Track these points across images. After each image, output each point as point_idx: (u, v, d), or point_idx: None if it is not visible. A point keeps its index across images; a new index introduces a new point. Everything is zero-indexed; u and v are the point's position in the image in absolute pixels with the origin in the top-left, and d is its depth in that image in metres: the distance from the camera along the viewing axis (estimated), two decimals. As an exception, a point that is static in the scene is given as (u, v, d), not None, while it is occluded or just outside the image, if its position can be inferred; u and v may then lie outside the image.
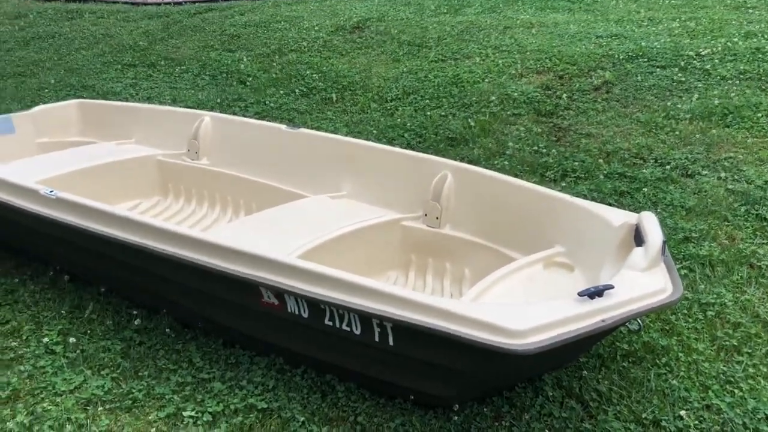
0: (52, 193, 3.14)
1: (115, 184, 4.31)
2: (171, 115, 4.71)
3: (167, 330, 3.05)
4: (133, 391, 2.68)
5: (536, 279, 2.81)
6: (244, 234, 3.17)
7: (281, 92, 6.72)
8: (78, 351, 2.93)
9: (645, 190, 4.35)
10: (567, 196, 3.15)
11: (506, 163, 4.93)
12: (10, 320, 3.20)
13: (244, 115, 6.14)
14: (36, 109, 5.06)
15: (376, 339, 2.36)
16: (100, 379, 2.75)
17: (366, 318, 2.33)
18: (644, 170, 4.64)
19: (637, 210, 3.60)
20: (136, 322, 3.09)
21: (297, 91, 6.74)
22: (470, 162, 4.78)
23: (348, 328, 2.42)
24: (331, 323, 2.45)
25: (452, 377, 2.36)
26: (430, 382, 2.43)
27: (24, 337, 3.05)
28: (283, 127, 4.17)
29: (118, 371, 2.80)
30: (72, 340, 2.99)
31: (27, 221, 3.28)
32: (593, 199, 4.10)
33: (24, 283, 3.52)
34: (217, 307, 2.88)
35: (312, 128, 5.72)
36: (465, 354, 2.19)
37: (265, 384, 2.68)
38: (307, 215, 3.45)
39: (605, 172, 4.68)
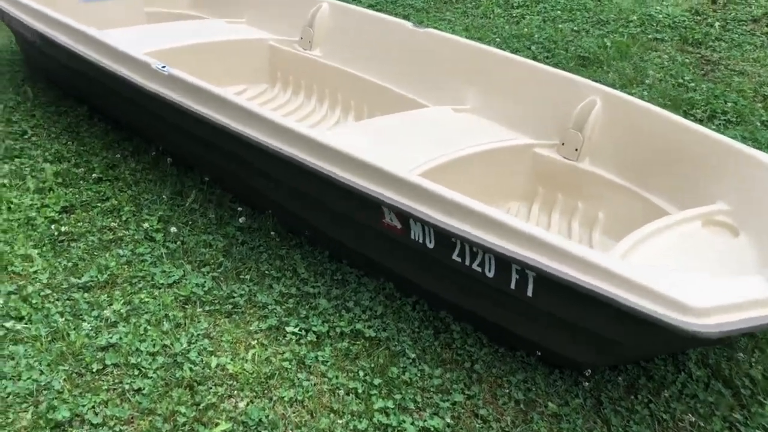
0: (164, 68, 2.89)
1: (223, 65, 4.06)
2: (286, 3, 4.36)
3: (272, 233, 2.84)
4: (234, 295, 2.50)
5: (693, 241, 2.42)
6: (358, 140, 2.86)
7: (399, -15, 6.22)
8: (178, 242, 2.76)
9: (811, 144, 3.78)
10: (737, 143, 2.68)
11: (645, 93, 4.40)
12: (110, 198, 3.05)
13: (356, 5, 5.73)
14: (148, -24, 4.80)
15: (512, 286, 2.06)
16: (200, 277, 2.58)
17: (505, 261, 2.02)
18: (810, 121, 4.04)
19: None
20: (240, 220, 2.89)
21: (416, -15, 6.23)
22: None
23: (479, 269, 2.12)
24: (459, 259, 2.16)
25: (595, 342, 2.06)
26: (567, 342, 2.13)
27: (123, 219, 2.91)
28: (409, 24, 3.76)
29: (219, 270, 2.62)
30: (173, 229, 2.82)
31: (133, 95, 3.07)
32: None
33: (125, 160, 3.37)
34: (328, 219, 2.63)
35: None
36: (622, 323, 1.87)
37: (373, 309, 2.45)
38: (427, 128, 3.11)
39: (762, 118, 4.11)
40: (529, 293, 2.04)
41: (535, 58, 4.87)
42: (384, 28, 3.85)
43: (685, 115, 4.17)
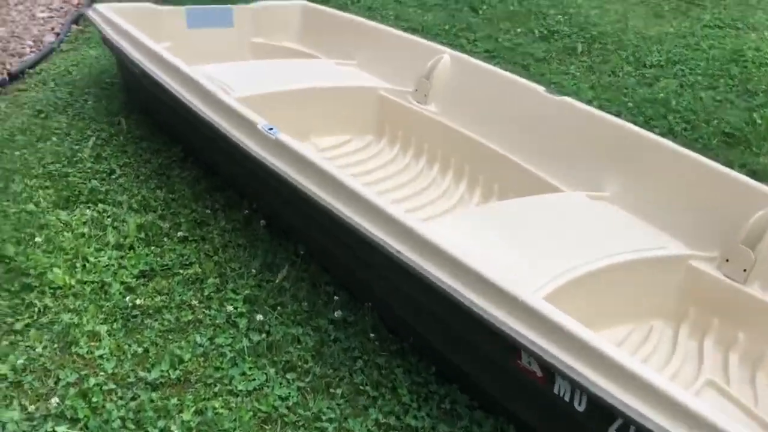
0: (272, 131, 2.54)
1: (327, 112, 3.72)
2: (404, 43, 3.98)
3: (370, 334, 2.42)
4: (322, 417, 2.09)
5: None
6: (478, 236, 2.42)
7: (518, 30, 5.78)
8: (264, 334, 2.39)
9: None
10: None
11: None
12: (194, 263, 2.72)
13: (472, 52, 5.31)
14: (258, 4, 4.55)
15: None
16: (285, 386, 2.18)
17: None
18: None
19: None
20: (336, 314, 2.48)
21: (536, 31, 5.76)
22: (753, 175, 3.69)
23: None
24: (620, 435, 1.68)
25: None
26: None
27: (206, 293, 2.56)
28: (541, 89, 3.30)
29: (307, 379, 2.23)
30: (259, 316, 2.44)
31: (230, 148, 2.74)
32: None
33: (215, 215, 3.04)
34: (440, 333, 2.20)
35: (550, 83, 4.82)
36: None
37: (490, 460, 2.00)
38: (561, 221, 2.63)
39: None
40: None
41: (672, 130, 4.33)
42: (512, 90, 3.41)
43: None
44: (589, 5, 6.21)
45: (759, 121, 4.44)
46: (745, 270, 2.49)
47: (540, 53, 5.42)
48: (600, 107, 4.47)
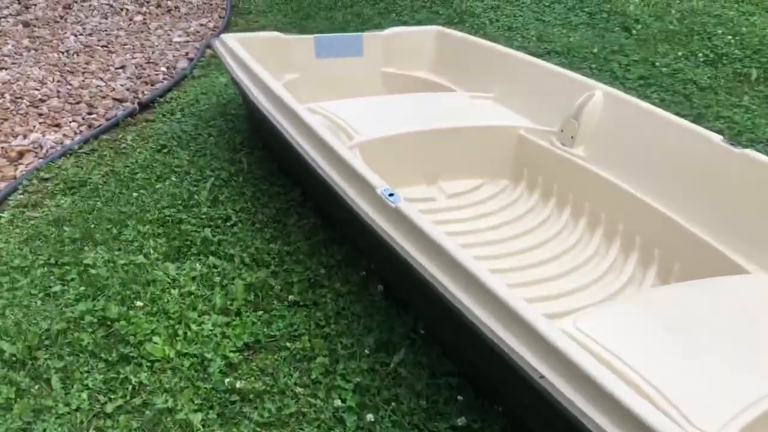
0: (393, 198, 2.19)
1: (460, 153, 3.36)
2: (549, 76, 3.52)
3: (499, 447, 2.02)
4: None
5: None
6: (640, 330, 1.94)
7: (678, 53, 5.12)
8: (373, 439, 2.05)
9: None
10: None
11: None
12: (303, 335, 2.44)
13: (624, 78, 4.74)
14: (388, 31, 4.25)
15: None
16: None
17: None
18: None
19: None
20: (459, 421, 2.09)
21: (700, 54, 5.08)
22: None
23: None
24: None
25: None
26: None
27: (313, 377, 2.26)
28: (716, 138, 2.73)
29: (422, 506, 1.86)
30: (369, 416, 2.10)
31: (346, 207, 2.43)
32: None
33: (330, 275, 2.75)
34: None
35: (718, 116, 4.16)
36: None
37: None
38: (750, 321, 2.09)
39: None
40: None
41: None
42: (679, 137, 2.86)
43: None
44: (765, 23, 5.42)
45: None
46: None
47: (705, 80, 4.75)
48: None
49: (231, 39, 3.74)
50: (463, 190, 3.34)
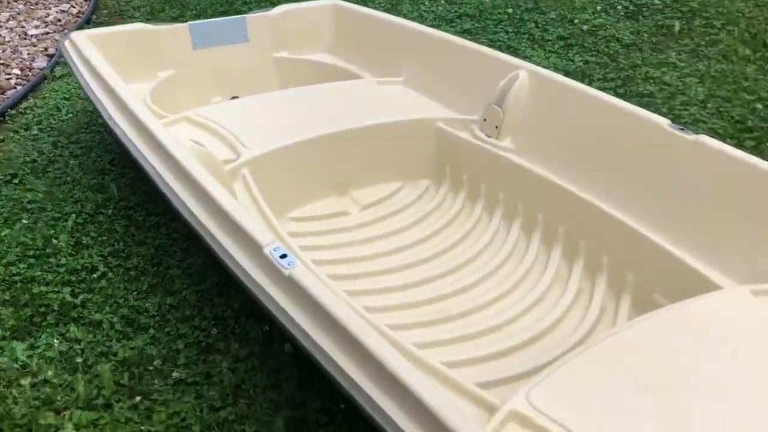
0: (286, 260, 1.67)
1: (372, 156, 2.89)
2: (465, 56, 3.04)
3: None
4: None
5: None
6: (610, 399, 1.53)
7: (596, 6, 4.74)
8: None
9: None
10: None
11: None
12: (193, 425, 1.93)
13: (544, 39, 4.32)
14: (277, 9, 3.66)
15: None
16: None
17: None
18: None
19: None
20: None
21: (619, 6, 4.72)
22: None
23: None
24: None
25: None
26: None
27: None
28: (665, 123, 2.34)
29: None
30: None
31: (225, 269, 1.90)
32: None
33: (225, 335, 2.23)
34: None
35: (646, 78, 3.82)
36: None
37: None
38: (731, 359, 1.70)
39: None
40: None
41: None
42: (621, 123, 2.45)
43: None
44: (681, -34, 5.10)
45: None
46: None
47: (628, 36, 4.39)
48: (718, 111, 3.49)
49: (82, 38, 3.08)
50: (380, 198, 2.88)
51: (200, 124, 2.75)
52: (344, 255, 2.55)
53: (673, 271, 2.11)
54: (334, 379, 1.52)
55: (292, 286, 1.62)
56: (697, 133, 2.26)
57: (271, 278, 1.69)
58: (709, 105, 3.57)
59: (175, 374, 2.08)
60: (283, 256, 1.66)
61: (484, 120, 2.82)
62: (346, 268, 2.48)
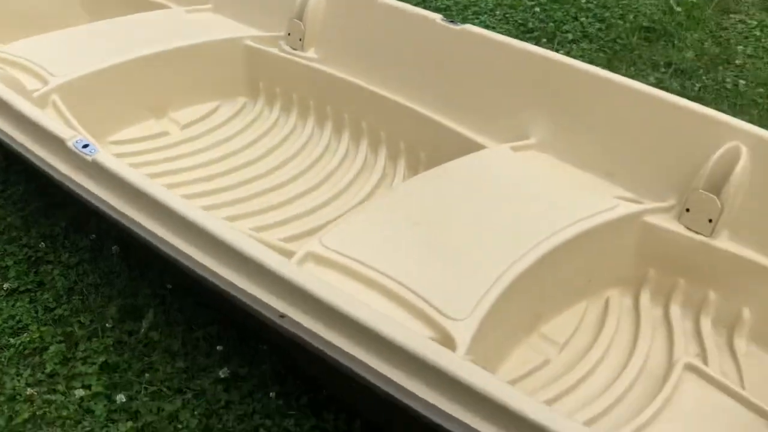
0: (87, 149, 1.85)
1: (186, 78, 3.02)
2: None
3: (271, 390, 1.88)
4: None
5: None
6: (387, 234, 1.87)
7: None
8: (130, 420, 1.81)
9: None
10: None
11: (741, 82, 3.37)
12: (29, 325, 2.08)
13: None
14: (79, -56, 3.64)
15: None
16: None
17: None
18: None
19: None
20: (221, 372, 1.91)
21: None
22: (680, 74, 3.28)
23: None
24: None
25: None
26: None
27: (48, 370, 1.94)
28: (438, 18, 2.68)
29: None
30: (120, 397, 1.85)
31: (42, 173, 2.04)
32: None
33: (55, 247, 2.37)
34: (357, 392, 1.68)
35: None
36: None
37: None
38: (488, 194, 2.09)
39: None
40: None
41: (586, 33, 3.83)
42: (403, 22, 2.77)
43: (801, 113, 3.17)
44: None
45: (677, 8, 3.99)
46: (710, 220, 2.05)
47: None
48: (504, 17, 3.93)
49: None
50: (199, 117, 3.04)
51: (4, 59, 2.77)
52: (171, 167, 2.71)
53: (446, 139, 2.48)
54: (150, 245, 1.73)
55: (98, 171, 1.80)
56: (461, 25, 2.60)
57: (79, 169, 1.85)
58: (497, 12, 4.00)
59: (6, 285, 2.20)
60: (85, 146, 1.83)
61: (288, 34, 3.05)
62: (171, 179, 2.65)
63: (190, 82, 3.03)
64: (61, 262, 2.30)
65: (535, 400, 1.27)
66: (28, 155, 1.98)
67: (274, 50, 3.06)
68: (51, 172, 1.91)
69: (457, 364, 1.31)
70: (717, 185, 2.03)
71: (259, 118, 3.09)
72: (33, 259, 2.32)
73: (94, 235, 2.38)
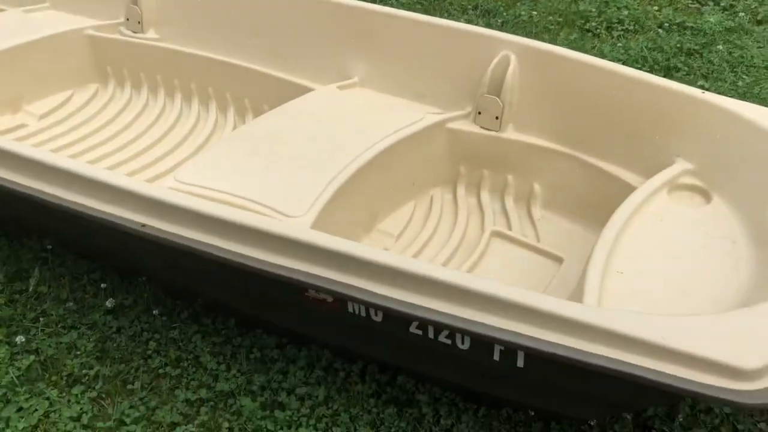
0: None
1: (35, 72, 3.20)
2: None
3: (154, 310, 2.20)
4: (126, 419, 1.88)
5: (667, 218, 2.04)
6: (233, 165, 2.22)
7: None
8: (32, 355, 2.07)
9: (719, 47, 3.49)
10: (682, 86, 2.29)
11: (534, 13, 3.94)
12: None
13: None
14: None
15: (495, 358, 1.60)
16: (75, 403, 1.93)
17: (484, 341, 1.54)
18: (707, 17, 3.75)
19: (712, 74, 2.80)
20: (108, 303, 2.21)
21: None
22: (485, 14, 3.81)
23: (449, 341, 1.64)
24: (420, 332, 1.66)
25: (607, 405, 1.66)
26: (567, 404, 1.72)
27: (-53, 333, 2.16)
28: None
29: (98, 386, 1.98)
30: (20, 338, 2.11)
31: None
32: (655, 62, 3.27)
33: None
34: (225, 288, 2.03)
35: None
36: (643, 392, 1.47)
37: (313, 396, 1.93)
38: (317, 124, 2.48)
39: (659, 22, 3.78)
40: (520, 365, 1.59)
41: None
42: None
43: (581, 31, 3.77)
44: None
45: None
46: (497, 117, 2.54)
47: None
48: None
49: None
50: (55, 106, 3.24)
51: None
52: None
53: (282, 88, 2.85)
54: (32, 202, 1.98)
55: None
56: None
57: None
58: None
59: None
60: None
61: (127, 20, 3.31)
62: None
63: (40, 75, 3.21)
64: (-61, 246, 2.49)
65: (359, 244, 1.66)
66: None
67: (117, 36, 3.30)
68: None
69: (297, 229, 1.69)
70: (497, 88, 2.52)
71: (113, 99, 3.33)
72: None
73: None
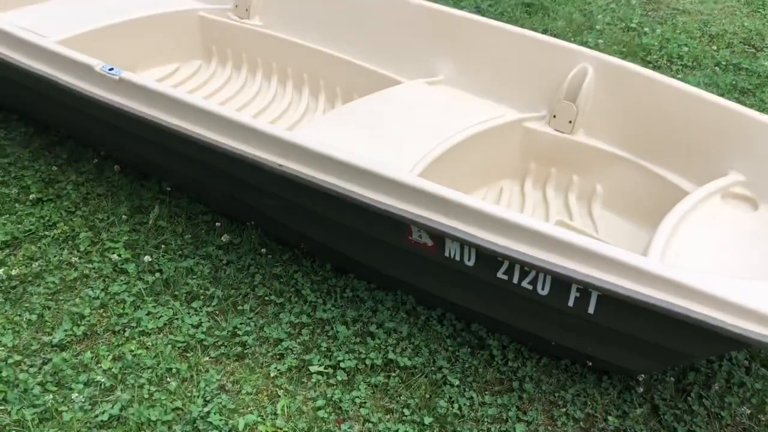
0: (113, 71, 2.44)
1: (149, 43, 3.58)
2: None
3: (261, 249, 2.53)
4: (239, 332, 2.20)
5: (720, 217, 2.33)
6: (337, 133, 2.56)
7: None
8: (156, 273, 2.40)
9: (770, 88, 3.79)
10: (740, 107, 2.58)
11: (600, 41, 4.27)
12: (58, 223, 2.62)
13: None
14: None
15: (570, 304, 1.90)
16: (194, 314, 2.25)
17: (563, 282, 1.84)
18: (762, 61, 4.05)
19: (765, 112, 3.06)
20: (223, 239, 2.54)
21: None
22: (555, 37, 4.13)
23: (530, 287, 1.94)
24: (506, 277, 1.97)
25: (663, 355, 1.94)
26: (629, 355, 2.01)
27: (83, 249, 2.50)
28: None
29: (213, 303, 2.31)
30: (146, 258, 2.45)
31: (67, 98, 2.60)
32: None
33: (63, 171, 2.90)
34: (329, 230, 2.35)
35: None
36: (707, 340, 1.75)
37: (399, 331, 2.23)
38: (410, 110, 2.82)
39: (716, 60, 4.08)
40: (591, 311, 1.88)
41: (479, 8, 4.64)
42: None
43: (643, 62, 4.09)
44: None
45: (551, -11, 4.87)
46: (570, 122, 2.86)
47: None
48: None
49: None
50: (163, 76, 3.61)
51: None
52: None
53: (369, 80, 3.19)
54: (168, 141, 2.33)
55: (125, 86, 2.39)
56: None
57: (106, 88, 2.44)
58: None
59: (32, 196, 2.73)
60: (111, 69, 2.42)
61: (236, 6, 3.69)
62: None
63: (154, 46, 3.59)
64: (71, 181, 2.84)
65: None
66: (60, 83, 2.53)
67: (225, 19, 3.68)
68: (85, 93, 2.46)
69: (408, 176, 2.01)
70: (573, 95, 2.84)
71: (214, 76, 3.70)
72: (47, 179, 2.84)
73: (96, 160, 2.94)
